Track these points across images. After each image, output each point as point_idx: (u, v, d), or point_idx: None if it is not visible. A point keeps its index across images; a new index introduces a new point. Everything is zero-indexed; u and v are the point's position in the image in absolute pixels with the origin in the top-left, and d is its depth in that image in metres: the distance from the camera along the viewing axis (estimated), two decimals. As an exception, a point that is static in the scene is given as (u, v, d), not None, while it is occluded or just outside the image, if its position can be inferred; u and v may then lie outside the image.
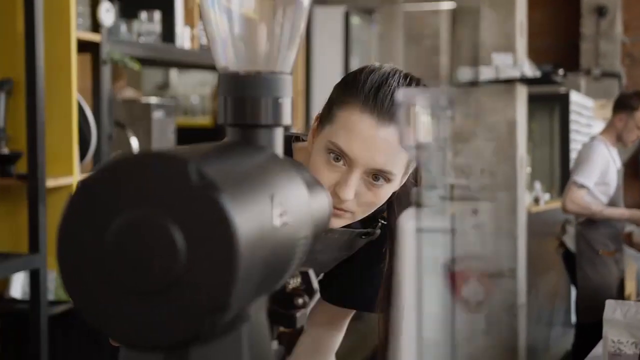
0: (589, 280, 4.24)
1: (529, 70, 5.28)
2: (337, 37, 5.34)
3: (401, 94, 0.71)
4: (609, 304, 1.97)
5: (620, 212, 4.35)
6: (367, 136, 1.23)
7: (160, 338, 0.61)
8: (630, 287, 5.38)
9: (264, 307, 0.74)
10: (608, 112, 8.12)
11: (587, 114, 7.31)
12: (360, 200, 1.26)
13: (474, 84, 5.11)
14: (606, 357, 1.94)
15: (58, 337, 2.54)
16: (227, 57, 0.79)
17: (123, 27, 2.92)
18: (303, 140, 1.44)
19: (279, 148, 0.78)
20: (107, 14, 2.65)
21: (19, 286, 2.70)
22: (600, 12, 9.16)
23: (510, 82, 5.16)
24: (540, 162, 6.49)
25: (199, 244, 0.59)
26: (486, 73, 5.19)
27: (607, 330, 1.94)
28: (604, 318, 1.94)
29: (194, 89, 6.02)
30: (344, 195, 1.24)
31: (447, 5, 6.06)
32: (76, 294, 0.62)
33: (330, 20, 5.39)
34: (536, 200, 5.74)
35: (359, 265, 1.45)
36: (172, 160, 0.61)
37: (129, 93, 4.74)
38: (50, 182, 2.41)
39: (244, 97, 0.77)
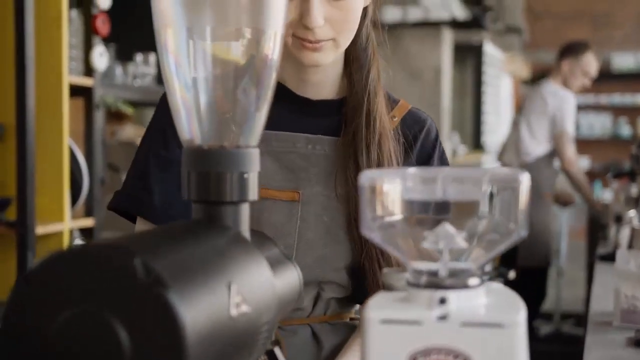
0: (531, 224, 4.11)
1: (459, 11, 5.21)
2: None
3: (365, 175, 0.68)
4: (621, 254, 1.76)
5: (593, 196, 4.47)
6: None
7: None
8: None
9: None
10: (516, 66, 8.15)
11: (498, 66, 7.35)
12: (333, 22, 1.16)
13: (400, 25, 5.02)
14: (618, 314, 1.75)
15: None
16: (192, 130, 0.76)
17: (118, 70, 2.90)
18: None
19: (244, 225, 0.75)
20: (101, 58, 2.63)
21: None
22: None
23: (437, 24, 5.10)
24: (453, 113, 6.44)
25: (145, 344, 0.56)
26: (414, 13, 5.13)
27: (619, 283, 1.70)
28: (616, 270, 1.72)
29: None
30: (312, 22, 1.13)
31: None
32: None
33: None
34: (453, 153, 5.73)
35: None
36: (118, 254, 0.57)
37: (129, 131, 4.72)
38: (40, 229, 2.38)
39: (208, 172, 0.74)
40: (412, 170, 0.69)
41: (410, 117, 1.31)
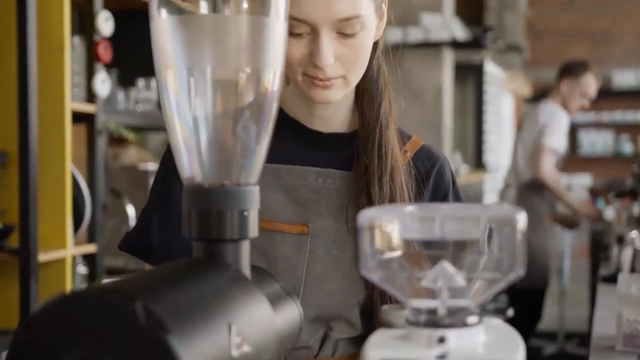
0: (528, 245, 4.04)
1: (459, 31, 5.23)
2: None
3: (364, 215, 0.68)
4: (622, 277, 1.76)
5: (578, 203, 4.35)
6: None
7: None
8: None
9: None
10: (517, 84, 8.18)
11: (499, 85, 7.37)
12: (343, 60, 1.15)
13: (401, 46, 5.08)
14: (620, 338, 1.75)
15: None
16: (192, 168, 0.77)
17: (120, 95, 2.92)
18: None
19: (244, 261, 0.76)
20: (103, 85, 2.65)
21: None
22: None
23: (437, 45, 5.12)
24: (454, 132, 6.42)
25: (146, 388, 0.57)
26: (414, 34, 5.16)
27: (621, 308, 1.72)
28: (617, 293, 1.73)
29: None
30: (322, 61, 1.12)
31: None
32: None
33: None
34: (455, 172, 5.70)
35: None
36: (119, 298, 0.58)
37: (132, 154, 4.73)
38: (43, 257, 2.38)
39: (209, 210, 0.74)
40: (410, 208, 0.70)
41: (422, 153, 1.30)
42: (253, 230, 0.76)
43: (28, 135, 2.33)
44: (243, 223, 0.75)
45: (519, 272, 0.67)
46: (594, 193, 9.88)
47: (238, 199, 0.75)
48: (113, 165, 3.37)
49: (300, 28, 1.12)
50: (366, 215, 0.68)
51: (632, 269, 2.79)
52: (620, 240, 3.12)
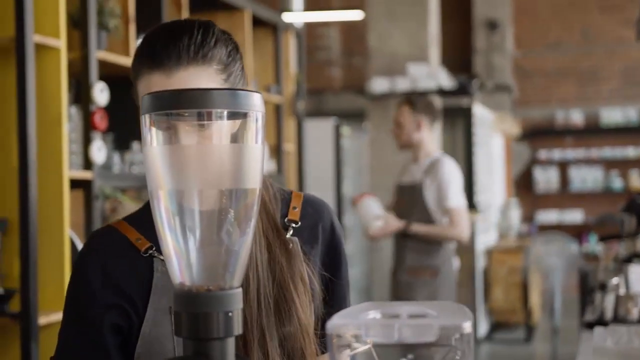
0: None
1: (445, 80, 5.33)
2: (328, 148, 5.48)
3: (332, 324, 0.78)
4: (598, 331, 1.85)
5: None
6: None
7: None
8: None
9: None
10: (506, 124, 8.29)
11: (489, 126, 7.48)
12: None
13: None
14: None
15: None
16: (182, 275, 0.87)
17: (116, 158, 3.02)
18: None
19: (230, 356, 0.86)
20: (99, 153, 2.76)
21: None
22: (492, 26, 9.45)
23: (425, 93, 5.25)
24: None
25: None
26: (402, 84, 5.22)
27: None
28: (593, 347, 1.80)
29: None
30: None
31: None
32: None
33: (321, 132, 5.55)
34: None
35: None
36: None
37: (128, 208, 4.81)
38: (43, 320, 2.47)
39: (197, 314, 0.85)
40: (372, 315, 0.80)
41: (307, 203, 1.36)
42: (237, 328, 0.86)
43: (28, 203, 2.43)
44: (228, 323, 0.85)
45: (467, 370, 0.76)
46: (586, 229, 10.00)
47: (223, 301, 0.85)
48: (110, 219, 3.45)
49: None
50: (333, 324, 0.78)
51: (615, 316, 2.88)
52: (603, 287, 3.19)
